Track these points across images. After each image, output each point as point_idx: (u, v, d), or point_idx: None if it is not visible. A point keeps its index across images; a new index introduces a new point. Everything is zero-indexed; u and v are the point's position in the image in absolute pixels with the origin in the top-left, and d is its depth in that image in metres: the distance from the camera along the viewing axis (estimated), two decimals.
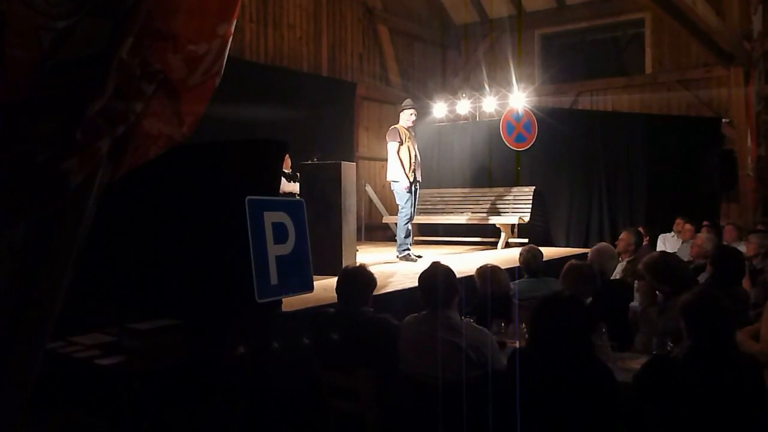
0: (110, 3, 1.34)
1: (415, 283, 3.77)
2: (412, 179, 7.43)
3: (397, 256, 7.56)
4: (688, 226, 8.24)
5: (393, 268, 6.91)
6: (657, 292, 4.17)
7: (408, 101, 7.89)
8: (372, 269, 3.97)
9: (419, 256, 7.63)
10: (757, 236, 6.20)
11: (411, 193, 7.47)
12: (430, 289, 3.55)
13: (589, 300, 4.14)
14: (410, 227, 7.64)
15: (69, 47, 1.29)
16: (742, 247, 6.48)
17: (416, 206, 7.76)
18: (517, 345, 3.60)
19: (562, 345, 2.68)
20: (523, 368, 2.71)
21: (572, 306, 2.82)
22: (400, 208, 7.58)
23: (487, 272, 4.65)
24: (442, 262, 3.78)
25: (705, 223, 7.96)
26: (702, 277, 4.86)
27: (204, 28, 1.46)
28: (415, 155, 7.53)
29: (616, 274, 5.87)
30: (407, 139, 7.49)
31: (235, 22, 1.53)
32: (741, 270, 4.60)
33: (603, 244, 5.52)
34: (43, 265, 1.35)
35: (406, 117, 7.63)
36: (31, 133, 1.28)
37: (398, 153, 7.41)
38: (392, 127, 7.68)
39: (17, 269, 1.34)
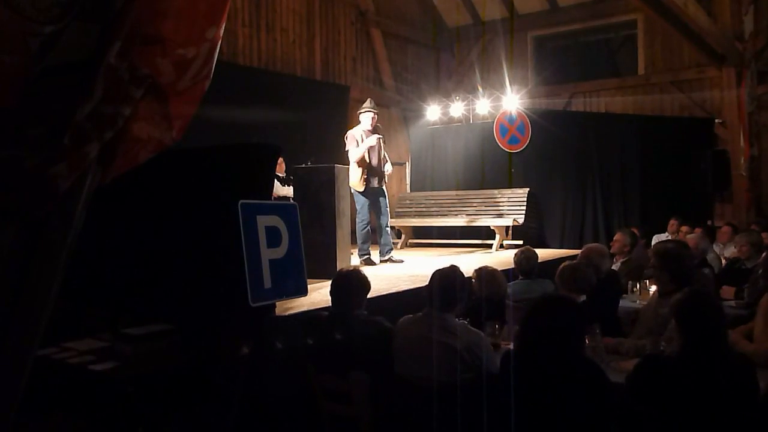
0: (98, 7, 1.34)
1: (410, 286, 3.78)
2: (364, 187, 7.21)
3: (359, 260, 7.34)
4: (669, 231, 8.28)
5: (387, 271, 6.90)
6: (653, 286, 4.20)
7: (366, 103, 7.51)
8: (366, 272, 3.97)
9: (401, 260, 7.51)
10: (743, 236, 6.13)
11: (367, 199, 7.29)
12: (438, 288, 3.52)
13: (584, 299, 4.14)
14: (369, 232, 7.43)
15: (57, 52, 1.29)
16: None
17: (386, 210, 7.52)
18: (512, 347, 3.60)
19: (551, 346, 2.68)
20: (515, 369, 2.71)
21: (561, 306, 2.83)
22: (357, 213, 7.38)
23: (484, 274, 4.64)
24: (461, 269, 3.73)
25: (697, 229, 7.93)
26: None
27: (193, 32, 1.46)
28: (377, 161, 7.29)
29: None
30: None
31: (224, 26, 1.53)
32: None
33: (594, 244, 5.52)
34: (32, 270, 1.35)
35: (366, 120, 7.32)
36: (19, 137, 1.28)
37: (356, 160, 7.17)
38: (349, 131, 7.41)
39: (6, 274, 1.33)
